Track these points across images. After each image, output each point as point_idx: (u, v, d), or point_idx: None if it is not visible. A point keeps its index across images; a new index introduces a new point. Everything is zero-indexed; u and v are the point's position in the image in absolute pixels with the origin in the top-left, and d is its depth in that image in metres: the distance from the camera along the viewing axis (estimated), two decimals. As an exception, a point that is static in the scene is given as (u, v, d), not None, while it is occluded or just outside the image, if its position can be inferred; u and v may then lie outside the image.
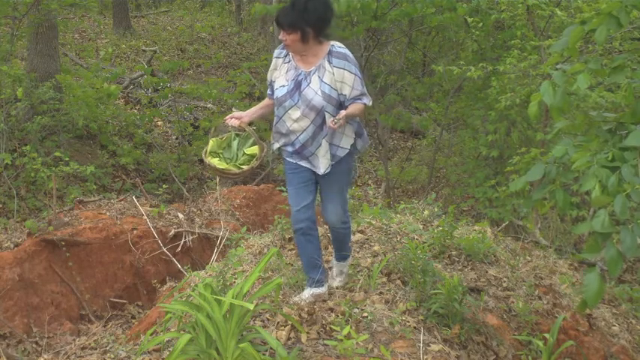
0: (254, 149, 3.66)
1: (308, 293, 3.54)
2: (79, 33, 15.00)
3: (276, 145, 3.53)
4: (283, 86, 3.38)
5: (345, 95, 3.32)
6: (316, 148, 3.38)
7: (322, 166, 3.39)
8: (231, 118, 3.53)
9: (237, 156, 3.67)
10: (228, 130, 3.68)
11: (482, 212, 7.86)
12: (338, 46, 3.36)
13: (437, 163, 10.27)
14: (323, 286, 3.58)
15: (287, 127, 3.40)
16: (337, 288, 3.71)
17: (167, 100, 11.00)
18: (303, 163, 3.43)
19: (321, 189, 3.52)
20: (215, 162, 3.60)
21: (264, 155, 3.66)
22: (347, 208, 3.60)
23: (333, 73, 3.30)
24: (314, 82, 3.32)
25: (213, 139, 3.70)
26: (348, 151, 3.42)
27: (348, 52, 3.36)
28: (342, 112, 3.26)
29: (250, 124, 3.56)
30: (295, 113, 3.34)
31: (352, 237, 4.43)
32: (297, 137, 3.38)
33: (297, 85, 3.34)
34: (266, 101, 3.59)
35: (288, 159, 3.48)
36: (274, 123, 3.50)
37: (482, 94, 8.34)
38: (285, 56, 3.42)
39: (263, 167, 9.96)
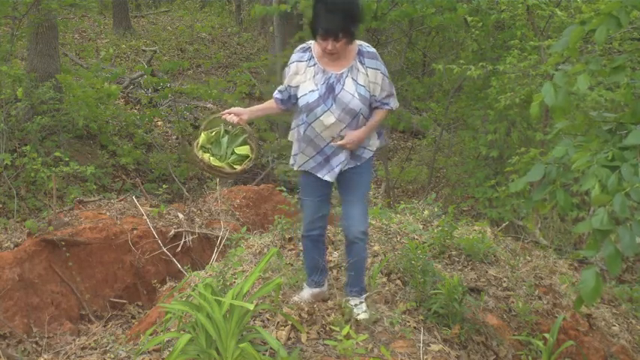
0: (244, 149, 3.50)
1: (308, 293, 3.52)
2: (79, 33, 15.00)
3: (296, 167, 3.35)
4: (313, 91, 3.17)
5: (375, 97, 3.22)
6: (347, 154, 3.25)
7: (350, 166, 3.28)
8: (230, 114, 3.35)
9: (226, 154, 3.50)
10: (219, 124, 3.50)
11: (482, 212, 7.86)
12: (366, 45, 3.23)
13: (437, 163, 10.27)
14: (323, 285, 3.56)
15: (316, 134, 3.22)
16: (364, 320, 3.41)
17: (167, 100, 11.00)
18: (327, 177, 3.28)
19: (343, 195, 3.37)
20: (207, 158, 3.42)
21: (256, 158, 3.54)
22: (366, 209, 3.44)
23: (367, 74, 3.17)
24: (349, 85, 3.16)
25: (205, 132, 3.50)
26: (372, 154, 3.34)
27: (377, 52, 3.25)
28: (355, 133, 3.19)
29: (250, 123, 3.43)
30: (329, 119, 3.17)
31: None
32: (328, 144, 3.23)
33: (330, 89, 3.16)
34: (270, 103, 3.42)
35: (311, 174, 3.32)
36: (296, 131, 3.32)
37: (482, 93, 8.34)
38: (309, 59, 3.22)
39: (263, 167, 9.96)
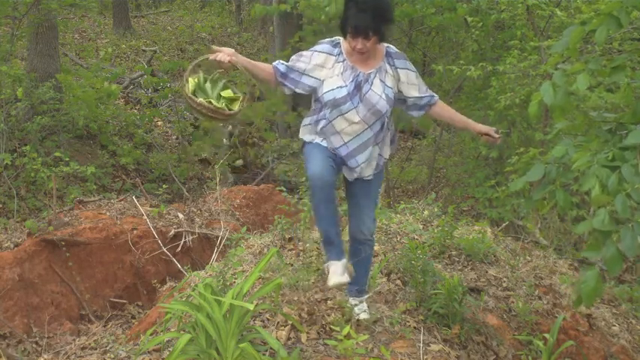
0: (229, 92, 3.25)
1: (339, 267, 3.20)
2: (79, 33, 15.00)
3: (309, 138, 3.21)
4: (341, 87, 3.10)
5: (416, 96, 3.22)
6: (366, 158, 3.18)
7: (366, 172, 3.23)
8: (218, 54, 3.08)
9: (216, 99, 3.22)
10: (200, 71, 3.21)
11: (483, 212, 7.86)
12: (393, 48, 3.23)
13: (437, 163, 10.28)
14: (344, 257, 3.27)
15: (334, 131, 3.15)
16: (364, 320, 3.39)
17: (167, 100, 11.01)
18: (351, 163, 3.16)
19: (357, 200, 3.31)
20: (207, 101, 3.12)
21: (252, 95, 3.30)
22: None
23: (398, 77, 3.18)
24: (376, 86, 3.13)
25: (191, 78, 3.18)
26: (386, 161, 3.34)
27: (404, 53, 3.27)
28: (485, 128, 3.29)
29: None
30: (354, 117, 3.11)
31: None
32: (346, 143, 3.14)
33: (358, 88, 3.11)
34: (267, 67, 3.19)
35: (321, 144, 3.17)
36: (316, 124, 3.19)
37: (482, 94, 8.34)
38: (338, 54, 3.16)
39: (263, 167, 9.97)
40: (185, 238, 5.48)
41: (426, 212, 5.29)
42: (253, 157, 10.27)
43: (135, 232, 5.38)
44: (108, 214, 5.67)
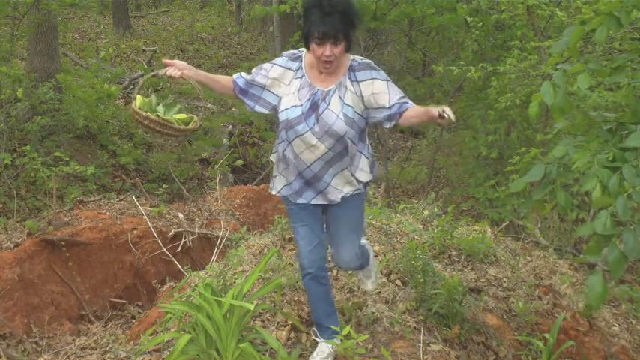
0: (182, 116, 3.10)
1: (327, 348, 3.03)
2: (79, 33, 15.01)
3: (274, 191, 3.03)
4: (296, 107, 2.80)
5: (385, 105, 2.78)
6: (331, 178, 2.86)
7: (334, 196, 2.89)
8: (169, 68, 2.82)
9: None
10: (150, 94, 3.13)
11: (483, 212, 7.86)
12: (359, 58, 2.87)
13: (437, 163, 10.28)
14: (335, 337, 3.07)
15: (295, 155, 2.85)
16: (370, 292, 3.43)
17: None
18: (317, 200, 2.91)
19: (331, 230, 3.00)
20: (154, 114, 2.96)
21: (200, 124, 3.12)
22: (360, 246, 3.06)
23: (360, 92, 2.80)
24: (334, 104, 2.78)
25: (140, 96, 3.03)
26: (362, 186, 2.94)
27: (371, 61, 2.88)
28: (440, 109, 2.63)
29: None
30: (311, 140, 2.78)
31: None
32: (309, 167, 2.85)
33: (314, 107, 2.79)
34: (226, 81, 2.93)
35: (297, 202, 2.95)
36: (278, 147, 2.94)
37: (483, 94, 8.35)
38: (297, 69, 2.86)
39: (263, 167, 9.97)
40: (185, 238, 5.48)
41: (426, 212, 5.29)
42: (253, 157, 10.28)
43: (135, 232, 5.38)
44: (108, 214, 5.68)
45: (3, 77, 7.98)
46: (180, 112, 3.11)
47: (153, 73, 3.06)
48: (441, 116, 2.62)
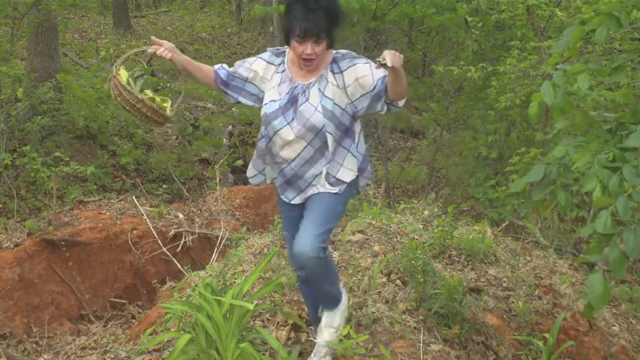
0: (149, 93, 2.97)
1: (324, 348, 2.97)
2: (79, 33, 15.01)
3: (269, 180, 2.93)
4: (274, 101, 2.76)
5: (371, 86, 2.68)
6: (314, 177, 2.78)
7: (310, 192, 2.80)
8: (159, 47, 2.85)
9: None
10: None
11: (483, 212, 7.86)
12: (343, 51, 2.82)
13: (437, 163, 10.28)
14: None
15: (276, 151, 2.79)
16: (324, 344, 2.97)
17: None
18: (297, 200, 2.83)
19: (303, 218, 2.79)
20: (149, 98, 2.87)
21: (176, 107, 3.01)
22: (325, 241, 2.70)
23: (343, 83, 2.73)
24: (313, 97, 2.72)
25: (123, 70, 2.89)
26: (345, 185, 2.79)
27: (352, 52, 2.83)
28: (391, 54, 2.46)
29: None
30: (288, 135, 2.72)
31: (352, 237, 4.43)
32: (289, 164, 2.77)
33: (293, 101, 2.74)
34: (208, 71, 2.91)
35: (281, 197, 2.90)
36: (258, 143, 2.89)
37: (483, 94, 8.35)
38: (279, 64, 2.83)
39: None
40: (185, 238, 5.48)
41: (426, 212, 5.29)
42: (253, 157, 10.26)
43: (135, 232, 5.38)
44: (108, 214, 5.68)
45: (3, 77, 7.98)
46: (142, 89, 2.96)
47: (141, 48, 3.01)
48: (381, 65, 2.49)
